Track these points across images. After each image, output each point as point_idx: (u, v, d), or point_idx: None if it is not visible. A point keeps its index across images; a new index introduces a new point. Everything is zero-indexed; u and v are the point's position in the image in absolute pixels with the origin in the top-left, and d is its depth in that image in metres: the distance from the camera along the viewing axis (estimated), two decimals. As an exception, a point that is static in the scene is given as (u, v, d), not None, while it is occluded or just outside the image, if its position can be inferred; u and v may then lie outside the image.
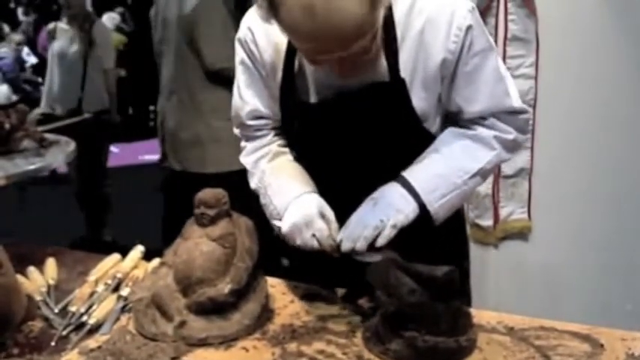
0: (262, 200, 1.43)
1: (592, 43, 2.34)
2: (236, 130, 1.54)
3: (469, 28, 1.28)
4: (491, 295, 2.48)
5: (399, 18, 1.28)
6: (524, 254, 2.57)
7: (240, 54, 1.44)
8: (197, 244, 1.33)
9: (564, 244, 2.52)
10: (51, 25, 4.33)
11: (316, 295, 1.45)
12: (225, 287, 1.29)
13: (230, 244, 1.34)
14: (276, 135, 1.49)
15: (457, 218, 1.50)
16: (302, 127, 1.41)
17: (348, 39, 1.13)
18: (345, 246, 1.26)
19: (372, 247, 1.26)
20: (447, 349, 1.17)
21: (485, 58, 1.32)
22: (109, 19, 6.40)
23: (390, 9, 1.24)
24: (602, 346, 1.21)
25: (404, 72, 1.30)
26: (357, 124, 1.34)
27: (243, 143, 1.53)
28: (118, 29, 5.90)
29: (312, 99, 1.36)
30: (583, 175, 2.42)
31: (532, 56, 2.39)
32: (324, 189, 1.36)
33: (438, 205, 1.31)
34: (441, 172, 1.32)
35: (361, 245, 1.24)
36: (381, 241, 1.25)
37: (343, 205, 1.31)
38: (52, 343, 1.28)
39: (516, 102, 1.37)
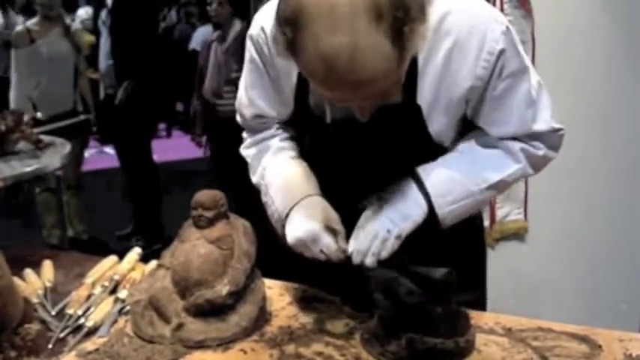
0: (263, 198, 1.38)
1: (588, 45, 2.35)
2: (239, 119, 1.49)
3: (501, 52, 1.17)
4: (487, 296, 2.48)
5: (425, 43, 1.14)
6: (521, 255, 2.58)
7: (250, 51, 1.36)
8: (194, 246, 1.33)
9: (560, 244, 2.53)
10: (19, 28, 4.25)
11: (314, 296, 1.45)
12: (222, 289, 1.29)
13: (228, 245, 1.34)
14: (279, 129, 1.44)
15: (474, 219, 1.44)
16: (313, 142, 1.37)
17: (371, 93, 1.05)
18: (357, 259, 1.20)
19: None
20: (445, 351, 1.17)
21: (517, 80, 1.21)
22: (85, 13, 6.23)
23: None
24: (599, 346, 1.21)
25: (423, 97, 1.21)
26: (369, 145, 1.28)
27: (245, 134, 1.49)
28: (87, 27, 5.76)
29: (327, 117, 1.29)
30: (579, 176, 2.43)
31: (528, 57, 2.39)
32: (332, 201, 1.29)
33: (447, 210, 1.24)
34: (459, 176, 1.25)
35: (371, 261, 1.20)
36: (384, 254, 1.19)
37: (350, 216, 1.26)
38: (49, 346, 1.27)
39: (546, 125, 1.26)
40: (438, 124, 1.25)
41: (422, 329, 1.18)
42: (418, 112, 1.23)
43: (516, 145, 1.27)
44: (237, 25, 3.97)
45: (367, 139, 1.27)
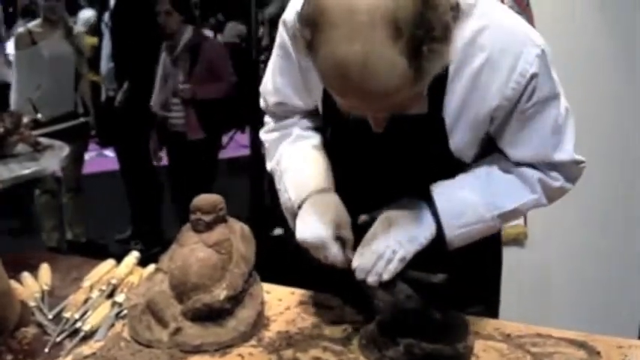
0: (277, 185, 1.36)
1: (586, 45, 2.35)
2: (262, 104, 1.46)
3: (534, 75, 1.13)
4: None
5: (455, 49, 1.09)
6: (520, 260, 2.57)
7: (282, 37, 1.31)
8: (193, 250, 1.32)
9: (560, 250, 2.53)
10: (21, 29, 4.24)
11: (312, 301, 1.44)
12: (220, 293, 1.28)
13: (226, 250, 1.33)
14: (303, 117, 1.41)
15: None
16: (333, 136, 1.35)
17: (383, 106, 1.03)
18: (359, 276, 1.19)
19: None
20: (443, 356, 1.16)
21: (546, 106, 1.17)
22: (87, 16, 6.22)
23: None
24: (598, 353, 1.21)
25: (449, 110, 1.18)
26: (387, 149, 1.26)
27: (267, 118, 1.47)
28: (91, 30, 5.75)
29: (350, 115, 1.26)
30: (583, 183, 2.42)
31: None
32: (345, 199, 1.28)
33: (457, 233, 1.21)
34: (472, 200, 1.22)
35: (373, 280, 1.18)
36: (385, 277, 1.18)
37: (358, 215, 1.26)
38: (46, 350, 1.26)
39: (568, 155, 1.22)
40: (460, 140, 1.22)
41: (420, 335, 1.18)
42: (441, 125, 1.19)
43: (535, 175, 1.23)
44: (187, 34, 3.87)
45: (385, 143, 1.24)
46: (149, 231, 4.47)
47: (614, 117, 2.45)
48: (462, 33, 1.11)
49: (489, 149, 1.28)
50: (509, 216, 1.26)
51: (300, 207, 1.26)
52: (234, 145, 6.67)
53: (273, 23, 4.14)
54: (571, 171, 1.25)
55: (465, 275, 1.29)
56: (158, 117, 4.00)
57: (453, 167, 1.25)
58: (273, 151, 1.41)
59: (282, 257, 1.53)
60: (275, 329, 1.33)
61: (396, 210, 1.22)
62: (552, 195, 1.27)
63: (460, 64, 1.14)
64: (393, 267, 1.18)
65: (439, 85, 1.12)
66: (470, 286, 1.35)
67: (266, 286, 1.45)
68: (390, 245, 1.18)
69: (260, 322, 1.33)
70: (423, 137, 1.21)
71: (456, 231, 1.21)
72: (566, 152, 1.22)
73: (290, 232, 1.30)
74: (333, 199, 1.26)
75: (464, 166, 1.26)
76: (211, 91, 3.88)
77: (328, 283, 1.41)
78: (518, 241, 2.58)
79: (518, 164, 1.24)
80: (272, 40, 1.41)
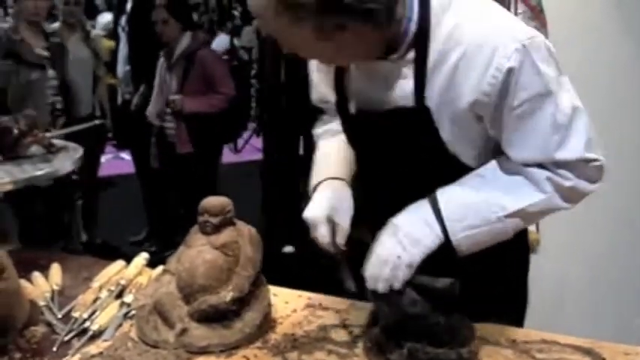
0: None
1: (603, 58, 2.33)
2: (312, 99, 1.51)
3: (510, 70, 1.11)
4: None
5: (436, 45, 1.16)
6: (533, 267, 2.55)
7: None
8: (200, 252, 1.33)
9: (573, 257, 2.51)
10: None
11: (319, 304, 1.45)
12: (227, 295, 1.29)
13: (233, 252, 1.34)
14: None
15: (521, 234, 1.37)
16: (345, 131, 1.39)
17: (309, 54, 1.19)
18: (370, 285, 1.20)
19: None
20: (447, 361, 1.16)
21: (539, 103, 1.14)
22: (105, 20, 6.27)
23: (425, 33, 1.16)
24: (604, 360, 1.20)
25: (432, 101, 1.19)
26: (383, 143, 1.28)
27: (320, 115, 1.52)
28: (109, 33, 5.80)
29: (352, 108, 1.31)
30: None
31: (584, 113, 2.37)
32: (362, 189, 1.35)
33: (462, 236, 1.19)
34: (474, 202, 1.19)
35: (382, 287, 1.18)
36: (397, 285, 1.18)
37: (379, 206, 1.28)
38: (54, 349, 1.28)
39: (575, 154, 1.16)
40: (449, 133, 1.21)
41: (424, 339, 1.18)
42: (428, 115, 1.20)
43: (542, 174, 1.18)
44: (185, 41, 3.75)
45: (381, 138, 1.27)
46: (163, 233, 4.49)
47: (633, 121, 2.42)
48: (440, 29, 1.15)
49: (497, 152, 1.26)
50: (519, 217, 1.20)
51: (315, 190, 1.35)
52: (250, 149, 6.70)
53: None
54: (583, 170, 1.18)
55: (490, 283, 1.30)
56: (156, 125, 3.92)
57: (456, 167, 1.24)
58: (316, 144, 1.49)
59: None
60: (281, 331, 1.34)
61: (401, 215, 1.22)
62: (569, 196, 1.20)
63: (440, 57, 1.16)
64: (402, 274, 1.18)
65: (421, 79, 1.17)
66: (495, 294, 1.36)
67: (273, 288, 1.46)
68: (394, 249, 1.18)
69: (266, 324, 1.34)
70: (414, 129, 1.22)
71: (460, 234, 1.18)
72: (571, 151, 1.16)
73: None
74: (341, 188, 1.33)
75: (470, 169, 1.24)
76: (201, 104, 3.72)
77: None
78: (531, 247, 2.55)
79: (526, 165, 1.20)
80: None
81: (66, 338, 1.32)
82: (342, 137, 1.40)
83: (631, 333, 2.32)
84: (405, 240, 1.18)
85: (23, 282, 1.49)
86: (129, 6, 4.73)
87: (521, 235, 1.41)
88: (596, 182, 1.20)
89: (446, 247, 1.20)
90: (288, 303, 1.46)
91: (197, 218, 1.36)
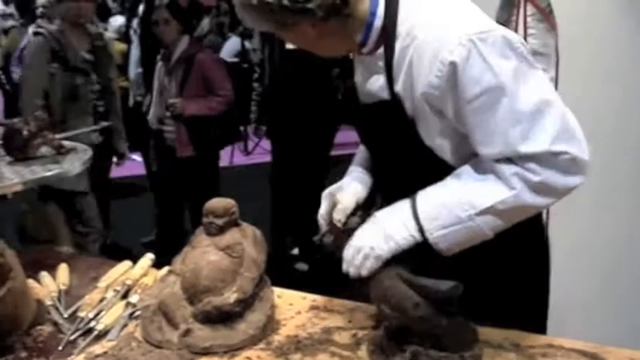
0: None
1: (612, 59, 2.31)
2: None
3: (453, 64, 1.15)
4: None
5: (400, 42, 1.23)
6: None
7: None
8: (204, 253, 1.34)
9: (581, 262, 2.49)
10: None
11: (324, 306, 1.45)
12: (230, 296, 1.30)
13: (237, 253, 1.34)
14: None
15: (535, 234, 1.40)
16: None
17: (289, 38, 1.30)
18: (344, 268, 1.28)
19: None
20: (450, 365, 1.16)
21: (494, 97, 1.15)
22: (116, 22, 6.29)
23: (390, 28, 1.24)
24: (609, 365, 1.19)
25: (400, 92, 1.25)
26: (373, 135, 1.39)
27: None
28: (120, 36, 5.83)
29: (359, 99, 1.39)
30: (603, 194, 2.39)
31: (552, 71, 2.36)
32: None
33: (438, 235, 1.21)
34: (448, 201, 1.21)
35: (352, 272, 1.26)
36: (364, 273, 1.24)
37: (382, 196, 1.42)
38: (60, 348, 1.29)
39: (540, 146, 1.15)
40: (423, 126, 1.26)
41: (427, 342, 1.18)
42: (401, 108, 1.26)
43: (509, 170, 1.18)
44: (183, 43, 3.72)
45: (371, 131, 1.39)
46: (174, 234, 4.50)
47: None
48: (404, 26, 1.23)
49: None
50: (490, 214, 1.19)
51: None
52: (261, 151, 6.70)
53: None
54: (552, 163, 1.16)
55: (510, 287, 1.32)
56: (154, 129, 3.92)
57: (434, 160, 1.28)
58: None
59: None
60: (285, 333, 1.34)
61: (384, 210, 1.29)
62: (541, 190, 1.18)
63: (401, 53, 1.23)
64: (370, 264, 1.24)
65: (388, 74, 1.26)
66: (515, 298, 1.38)
67: (277, 290, 1.46)
68: (366, 242, 1.25)
69: (270, 325, 1.34)
70: (392, 121, 1.29)
71: (435, 233, 1.21)
72: (536, 144, 1.15)
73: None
74: (358, 175, 1.44)
75: (448, 165, 1.28)
76: (202, 107, 3.71)
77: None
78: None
79: (497, 161, 1.20)
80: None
81: (71, 338, 1.33)
82: None
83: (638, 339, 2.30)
84: (377, 233, 1.25)
85: (31, 282, 1.50)
86: (141, 9, 4.76)
87: (538, 238, 1.44)
88: (575, 175, 1.18)
89: (427, 245, 1.22)
90: (292, 305, 1.46)
91: (202, 220, 1.37)
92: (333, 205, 1.35)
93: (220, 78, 3.79)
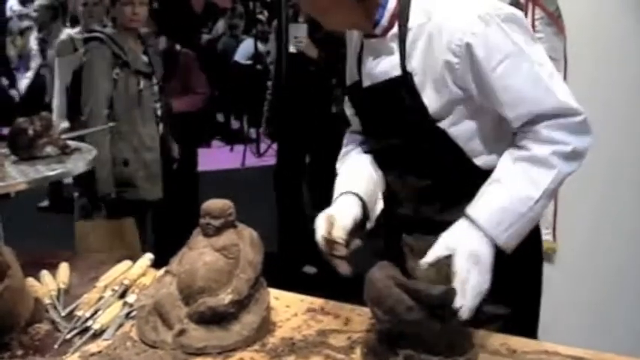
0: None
1: (621, 62, 2.30)
2: None
3: (475, 34, 1.28)
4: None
5: (414, 20, 1.35)
6: (549, 276, 2.51)
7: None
8: (201, 254, 1.34)
9: (590, 265, 2.47)
10: (63, 37, 4.30)
11: (320, 308, 1.44)
12: (225, 297, 1.30)
13: (233, 254, 1.34)
14: (362, 143, 1.60)
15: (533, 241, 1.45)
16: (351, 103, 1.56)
17: (327, 23, 1.41)
18: (465, 316, 1.19)
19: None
20: (443, 369, 1.15)
21: (515, 60, 1.28)
22: None
23: (405, 7, 1.35)
24: (606, 372, 1.18)
25: (413, 71, 1.35)
26: (381, 114, 1.44)
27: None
28: None
29: (364, 82, 1.46)
30: (609, 196, 2.37)
31: (560, 75, 2.35)
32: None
33: (506, 236, 1.28)
34: (505, 204, 1.28)
35: (468, 316, 1.20)
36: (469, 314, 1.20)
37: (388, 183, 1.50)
38: (55, 346, 1.30)
39: (563, 97, 1.30)
40: (431, 99, 1.35)
41: (420, 346, 1.17)
42: (411, 81, 1.35)
43: (545, 151, 1.30)
44: (161, 44, 3.79)
45: (379, 110, 1.44)
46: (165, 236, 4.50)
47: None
48: (418, 5, 1.35)
49: (493, 148, 1.39)
50: (544, 198, 1.31)
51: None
52: (273, 153, 6.71)
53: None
54: (572, 125, 1.30)
55: (502, 291, 1.31)
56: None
57: (438, 138, 1.37)
58: (342, 160, 1.61)
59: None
60: (279, 335, 1.34)
61: (466, 245, 1.25)
62: (572, 157, 1.31)
63: (417, 31, 1.34)
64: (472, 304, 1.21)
65: (403, 48, 1.36)
66: (508, 302, 1.42)
67: (275, 292, 1.46)
68: (483, 282, 1.23)
69: (264, 327, 1.34)
70: (400, 94, 1.37)
71: (503, 236, 1.28)
72: (559, 95, 1.30)
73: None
74: (349, 201, 1.44)
75: (450, 142, 1.37)
76: (186, 104, 3.80)
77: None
78: (548, 255, 2.52)
79: (530, 139, 1.31)
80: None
81: (68, 336, 1.33)
82: (365, 157, 1.55)
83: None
84: (482, 268, 1.24)
85: (31, 280, 1.51)
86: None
87: (533, 241, 1.46)
88: (589, 135, 1.33)
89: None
90: (289, 307, 1.45)
91: (199, 220, 1.37)
92: (331, 226, 1.34)
93: (197, 75, 3.95)
